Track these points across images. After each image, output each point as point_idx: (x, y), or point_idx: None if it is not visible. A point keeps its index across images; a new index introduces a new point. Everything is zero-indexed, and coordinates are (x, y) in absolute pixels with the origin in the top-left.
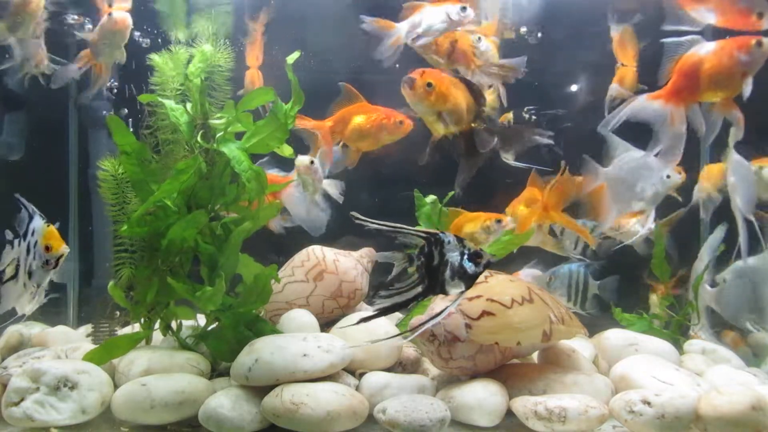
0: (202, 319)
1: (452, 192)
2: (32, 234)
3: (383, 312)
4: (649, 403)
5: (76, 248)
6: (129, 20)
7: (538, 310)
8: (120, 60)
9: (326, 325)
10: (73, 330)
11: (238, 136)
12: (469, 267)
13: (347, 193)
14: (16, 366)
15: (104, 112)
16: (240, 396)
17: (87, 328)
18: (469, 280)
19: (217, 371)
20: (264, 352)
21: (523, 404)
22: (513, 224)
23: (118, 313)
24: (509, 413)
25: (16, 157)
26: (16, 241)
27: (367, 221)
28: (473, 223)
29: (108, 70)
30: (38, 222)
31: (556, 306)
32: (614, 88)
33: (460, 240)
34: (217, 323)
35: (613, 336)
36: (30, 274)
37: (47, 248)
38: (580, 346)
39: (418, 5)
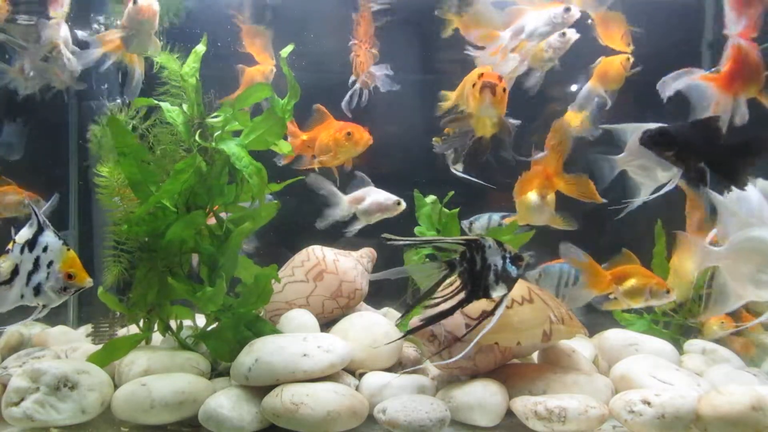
0: (200, 319)
1: (451, 192)
2: (44, 250)
3: (430, 321)
4: (649, 403)
5: (76, 248)
6: (155, 6)
7: (538, 310)
8: (154, 51)
9: (326, 325)
10: (73, 330)
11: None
12: (512, 270)
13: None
14: (16, 366)
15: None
16: (240, 396)
17: (87, 328)
18: (512, 283)
19: (217, 371)
20: (264, 352)
21: (523, 404)
22: (673, 297)
23: (118, 313)
24: (509, 413)
25: (16, 156)
26: (16, 246)
27: (401, 240)
28: (639, 279)
29: (141, 62)
30: (53, 240)
31: (556, 306)
32: (586, 90)
33: (499, 243)
34: (217, 323)
35: (613, 336)
36: (36, 290)
37: (69, 276)
38: (580, 346)
39: (521, 10)
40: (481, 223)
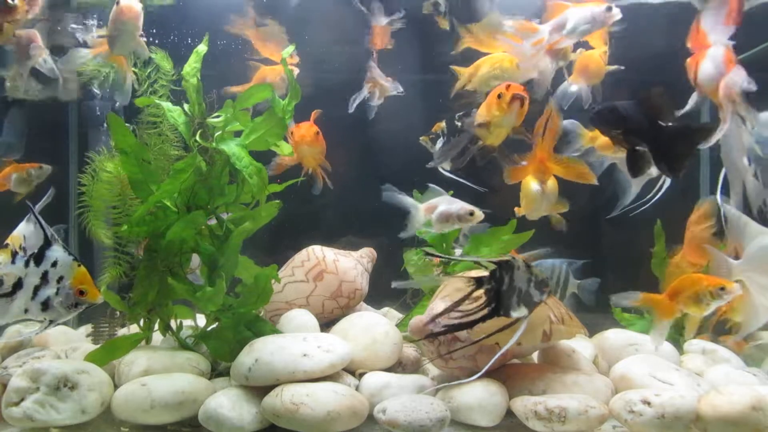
0: (200, 319)
1: (451, 192)
2: (53, 265)
3: (451, 329)
4: (649, 403)
5: (76, 248)
6: (137, 7)
7: (538, 310)
8: (142, 53)
9: (326, 325)
10: (73, 330)
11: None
12: (535, 294)
13: (348, 194)
14: (16, 366)
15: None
16: (240, 396)
17: (87, 328)
18: (533, 306)
19: (217, 371)
20: (264, 352)
21: (523, 404)
22: (738, 292)
23: (118, 313)
24: (509, 413)
25: (16, 156)
26: (20, 258)
27: (441, 256)
28: (699, 285)
29: (129, 65)
30: (63, 255)
31: (556, 306)
32: (565, 87)
33: (528, 266)
34: (217, 323)
35: (613, 336)
36: (44, 305)
37: (81, 292)
38: (580, 346)
39: (562, 6)
40: (544, 268)
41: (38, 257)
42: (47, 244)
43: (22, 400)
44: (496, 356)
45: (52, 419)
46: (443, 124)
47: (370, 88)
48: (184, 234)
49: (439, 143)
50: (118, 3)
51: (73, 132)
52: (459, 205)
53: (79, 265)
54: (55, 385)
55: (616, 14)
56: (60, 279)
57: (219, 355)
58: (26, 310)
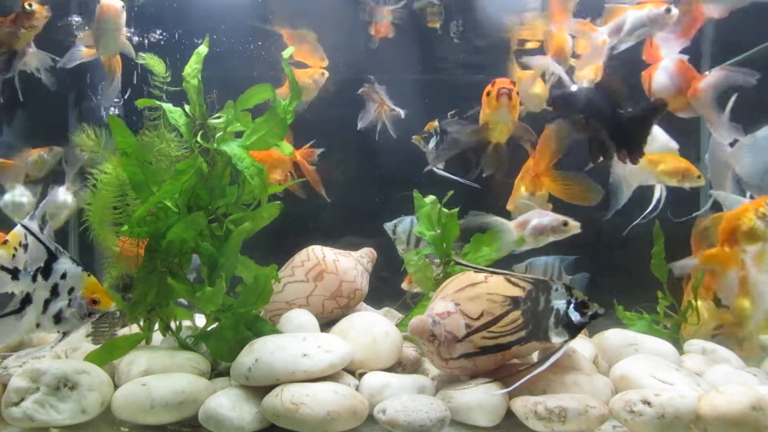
0: (200, 319)
1: (451, 191)
2: (62, 277)
3: (484, 351)
4: (649, 403)
5: (76, 249)
6: (117, 5)
7: None
8: (127, 51)
9: (326, 325)
10: None
11: (237, 137)
12: (575, 316)
13: (348, 194)
14: (16, 366)
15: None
16: (240, 396)
17: (87, 328)
18: (575, 330)
19: (217, 371)
20: (264, 352)
21: (523, 404)
22: None
23: (118, 313)
24: (509, 413)
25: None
26: (26, 275)
27: (475, 267)
28: (744, 216)
29: (115, 62)
30: (71, 266)
31: None
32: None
33: (568, 288)
34: (217, 323)
35: (613, 336)
36: (56, 318)
37: (94, 301)
38: (580, 346)
39: (620, 8)
40: (404, 226)
41: (45, 271)
42: (53, 257)
43: (22, 400)
44: (524, 380)
45: (52, 419)
46: (436, 123)
47: (377, 108)
48: (184, 235)
49: (432, 142)
50: (100, 2)
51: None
52: (551, 217)
53: (88, 275)
54: (55, 385)
55: (675, 16)
56: (71, 290)
57: (219, 355)
58: (38, 325)
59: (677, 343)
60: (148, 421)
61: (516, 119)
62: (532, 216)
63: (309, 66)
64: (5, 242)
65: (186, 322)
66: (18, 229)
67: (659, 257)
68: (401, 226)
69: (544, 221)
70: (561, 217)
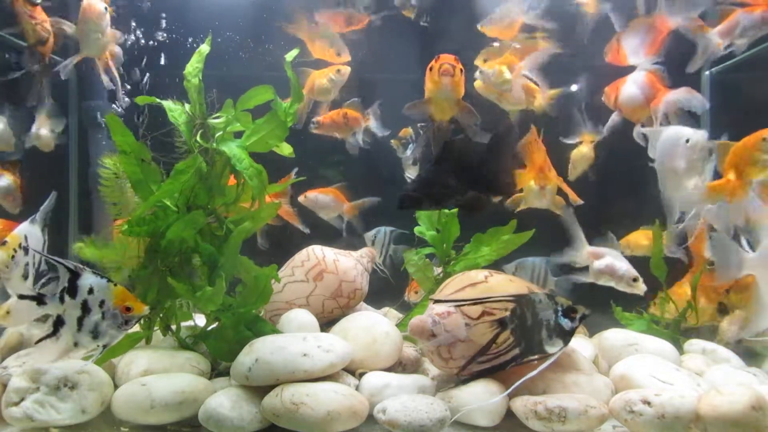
0: (200, 319)
1: None
2: (90, 292)
3: (481, 374)
4: (649, 403)
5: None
6: (97, 6)
7: None
8: (112, 52)
9: (326, 325)
10: None
11: (237, 137)
12: (566, 323)
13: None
14: (16, 366)
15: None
16: (240, 396)
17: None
18: (568, 336)
19: (217, 371)
20: (264, 351)
21: (523, 404)
22: None
23: None
24: (509, 413)
25: (16, 156)
26: (53, 298)
27: (456, 300)
28: (744, 149)
29: (106, 64)
30: (95, 280)
31: None
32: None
33: (550, 297)
34: (217, 323)
35: (613, 336)
36: (94, 333)
37: (127, 309)
38: (580, 346)
39: (732, 10)
40: (379, 237)
41: (71, 290)
42: (75, 275)
43: (22, 400)
44: (522, 381)
45: (52, 419)
46: (410, 130)
47: (364, 120)
48: (184, 234)
49: (410, 149)
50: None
51: (73, 132)
52: (627, 267)
53: (115, 285)
54: (55, 385)
55: None
56: (102, 303)
57: (219, 355)
58: (76, 344)
59: (677, 343)
60: (148, 420)
61: (459, 98)
62: (609, 253)
63: (331, 64)
64: (4, 243)
65: (184, 323)
66: (18, 231)
67: (658, 257)
68: (378, 237)
69: (619, 267)
70: (635, 273)
